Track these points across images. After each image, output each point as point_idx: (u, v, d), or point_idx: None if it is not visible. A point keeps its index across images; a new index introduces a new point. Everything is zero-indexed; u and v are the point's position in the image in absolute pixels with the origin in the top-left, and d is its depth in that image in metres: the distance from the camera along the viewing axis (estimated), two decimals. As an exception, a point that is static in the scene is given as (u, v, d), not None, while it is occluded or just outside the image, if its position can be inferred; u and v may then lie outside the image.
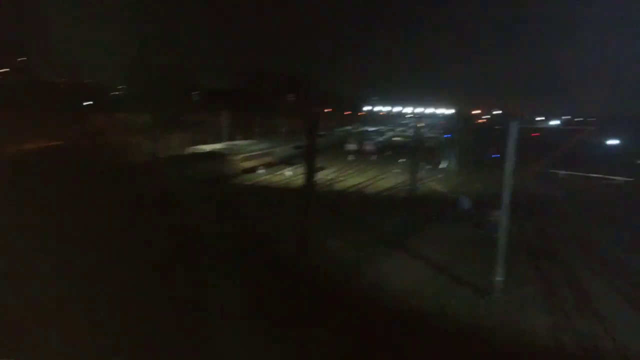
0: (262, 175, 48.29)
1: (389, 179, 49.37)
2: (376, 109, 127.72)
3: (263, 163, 51.56)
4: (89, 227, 22.04)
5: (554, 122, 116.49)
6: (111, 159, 36.59)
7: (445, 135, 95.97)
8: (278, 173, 49.55)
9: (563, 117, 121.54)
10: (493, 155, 61.79)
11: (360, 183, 45.76)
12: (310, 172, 20.43)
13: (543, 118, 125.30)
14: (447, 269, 21.64)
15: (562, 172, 27.05)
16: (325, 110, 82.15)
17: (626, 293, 19.31)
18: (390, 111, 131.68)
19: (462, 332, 15.66)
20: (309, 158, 20.42)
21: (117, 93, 60.56)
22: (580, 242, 26.91)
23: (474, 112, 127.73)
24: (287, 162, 54.60)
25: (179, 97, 49.35)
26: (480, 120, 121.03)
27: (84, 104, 55.10)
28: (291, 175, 48.12)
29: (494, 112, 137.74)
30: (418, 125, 76.20)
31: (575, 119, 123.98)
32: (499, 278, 18.81)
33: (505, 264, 18.87)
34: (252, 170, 49.21)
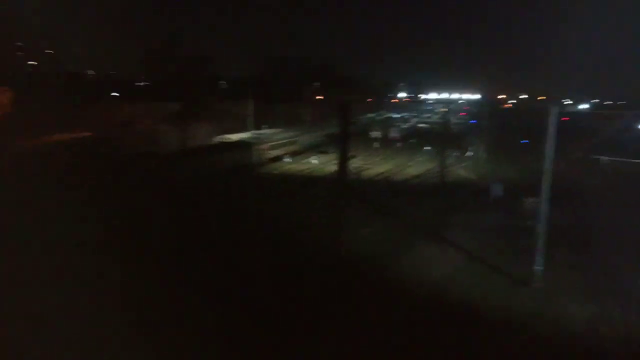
0: (289, 164, 48.33)
1: (416, 166, 48.90)
2: (400, 95, 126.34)
3: (289, 151, 51.63)
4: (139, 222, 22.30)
5: (584, 106, 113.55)
6: (143, 150, 37.01)
7: (471, 121, 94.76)
8: (304, 161, 49.53)
9: (592, 101, 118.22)
10: (522, 141, 60.76)
11: (387, 171, 45.43)
12: (344, 160, 20.26)
13: (571, 102, 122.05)
14: (483, 257, 21.25)
15: (603, 157, 26.19)
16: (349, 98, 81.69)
17: None
18: (415, 97, 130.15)
19: (508, 323, 15.37)
20: (342, 146, 20.22)
21: (143, 84, 61.08)
22: (622, 231, 26.05)
23: (499, 96, 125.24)
24: (313, 149, 54.58)
25: (205, 86, 49.51)
26: (506, 105, 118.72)
27: (112, 94, 55.77)
28: (317, 163, 48.11)
29: (520, 97, 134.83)
30: (443, 110, 75.20)
31: (605, 103, 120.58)
32: (538, 267, 18.37)
33: (547, 252, 18.41)
34: (279, 158, 49.30)
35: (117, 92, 61.89)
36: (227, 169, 38.25)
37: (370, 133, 69.38)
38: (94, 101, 49.75)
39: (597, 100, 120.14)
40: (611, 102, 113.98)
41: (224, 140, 47.54)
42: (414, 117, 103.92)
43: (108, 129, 41.00)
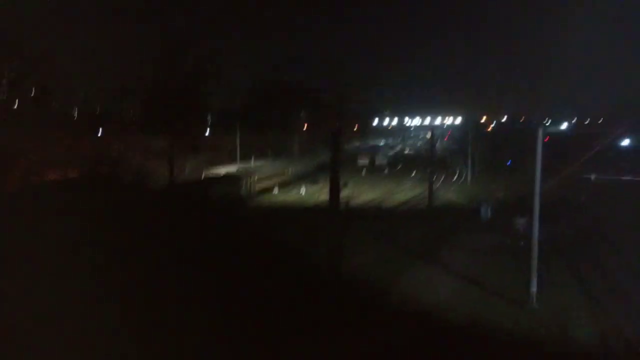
0: (278, 195, 48.37)
1: (404, 192, 49.28)
2: (385, 122, 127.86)
3: (277, 182, 51.74)
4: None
5: (563, 126, 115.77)
6: (130, 187, 36.75)
7: (455, 145, 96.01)
8: (293, 192, 49.63)
9: (572, 121, 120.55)
10: (507, 163, 61.79)
11: (376, 198, 45.68)
12: (336, 188, 20.39)
13: (549, 121, 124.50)
14: (478, 280, 21.30)
15: (593, 176, 26.90)
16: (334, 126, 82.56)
17: None
18: (399, 124, 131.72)
19: (506, 346, 15.34)
20: (334, 175, 20.40)
21: (131, 118, 60.94)
22: (615, 248, 26.53)
23: (481, 120, 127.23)
24: (302, 179, 54.83)
25: (193, 120, 49.63)
26: (489, 128, 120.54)
27: (99, 131, 55.41)
28: (305, 193, 48.26)
29: (501, 119, 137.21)
30: (428, 136, 76.23)
31: (585, 122, 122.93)
32: (533, 289, 18.47)
33: (541, 271, 18.61)
34: (268, 190, 49.35)
35: (105, 127, 61.36)
36: (215, 204, 38.12)
37: (357, 160, 69.99)
38: (83, 139, 49.19)
39: (575, 120, 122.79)
40: (589, 122, 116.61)
41: (212, 175, 47.48)
42: (400, 143, 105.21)
43: (99, 167, 40.60)
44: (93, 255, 19.05)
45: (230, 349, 14.14)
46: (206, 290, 18.03)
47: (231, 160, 55.46)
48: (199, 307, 16.49)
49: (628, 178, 29.34)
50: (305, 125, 78.47)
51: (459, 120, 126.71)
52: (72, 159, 40.95)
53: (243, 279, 20.35)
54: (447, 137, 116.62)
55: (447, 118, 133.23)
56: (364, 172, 62.87)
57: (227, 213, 35.47)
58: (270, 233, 30.63)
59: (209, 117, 59.83)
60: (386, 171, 66.05)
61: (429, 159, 47.26)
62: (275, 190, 49.72)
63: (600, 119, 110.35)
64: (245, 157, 57.21)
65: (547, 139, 18.69)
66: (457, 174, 61.92)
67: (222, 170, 49.50)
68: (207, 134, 61.30)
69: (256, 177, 48.38)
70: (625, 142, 54.62)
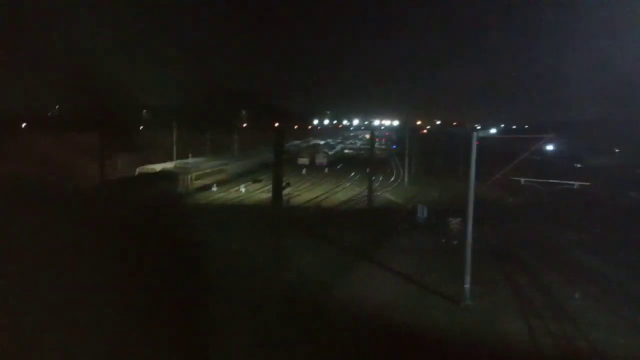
0: (217, 193, 47.36)
1: (344, 192, 49.81)
2: (325, 122, 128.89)
3: (217, 180, 50.62)
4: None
5: (492, 130, 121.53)
6: (56, 186, 34.46)
7: (393, 147, 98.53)
8: (233, 190, 48.79)
9: (500, 125, 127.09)
10: (393, 147, 63.56)
11: (316, 197, 45.84)
12: (279, 187, 20.11)
13: (479, 127, 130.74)
14: (415, 278, 21.90)
15: (523, 179, 28.49)
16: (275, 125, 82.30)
17: (588, 291, 20.31)
18: (340, 124, 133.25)
19: (442, 342, 15.86)
20: (277, 173, 20.13)
21: (58, 113, 57.49)
22: (542, 245, 28.18)
23: (417, 122, 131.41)
24: (243, 178, 54.06)
25: (127, 115, 47.47)
26: (423, 131, 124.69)
27: (24, 127, 51.86)
28: (246, 191, 47.61)
29: (436, 122, 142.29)
30: (367, 137, 77.64)
31: (512, 127, 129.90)
32: (467, 285, 19.20)
33: (473, 270, 19.30)
34: (206, 188, 48.17)
35: (30, 124, 57.42)
36: (149, 200, 36.59)
37: (297, 160, 69.98)
38: (6, 135, 45.72)
39: (503, 125, 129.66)
40: (515, 127, 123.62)
41: (146, 171, 45.53)
42: (340, 143, 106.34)
43: (25, 166, 37.85)
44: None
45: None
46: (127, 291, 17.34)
47: (168, 157, 53.53)
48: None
49: (555, 181, 31.31)
50: (246, 123, 77.58)
51: (396, 122, 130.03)
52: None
53: (170, 282, 19.69)
54: (385, 139, 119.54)
55: (385, 120, 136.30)
56: (304, 171, 62.93)
57: (158, 210, 34.14)
58: (206, 232, 29.87)
59: (145, 113, 57.55)
60: (326, 170, 66.52)
61: (368, 159, 48.07)
62: (214, 188, 48.67)
63: (526, 125, 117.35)
64: (183, 155, 55.45)
65: (477, 142, 19.43)
66: (394, 175, 63.49)
67: (158, 166, 47.64)
68: (142, 130, 58.93)
69: (194, 174, 47.05)
70: (550, 147, 58.25)
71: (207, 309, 16.56)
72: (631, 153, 65.15)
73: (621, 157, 68.81)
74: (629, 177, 52.60)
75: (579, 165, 66.64)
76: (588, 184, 29.38)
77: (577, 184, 26.92)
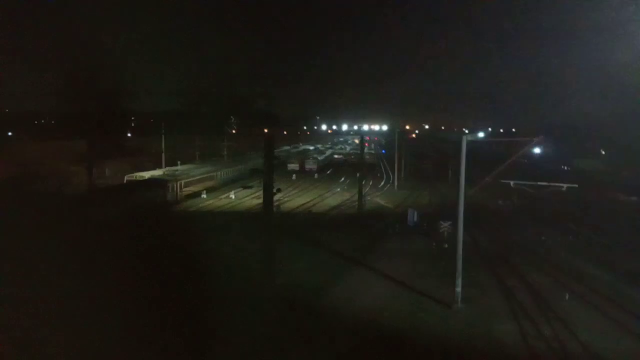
0: (206, 200, 47.10)
1: (334, 197, 49.81)
2: (314, 127, 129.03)
3: (206, 187, 50.36)
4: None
5: (480, 134, 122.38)
6: (45, 192, 34.10)
7: (382, 151, 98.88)
8: (223, 196, 48.55)
9: (488, 129, 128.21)
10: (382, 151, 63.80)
11: (307, 202, 45.78)
12: (269, 193, 20.02)
13: (467, 131, 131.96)
14: (407, 282, 21.91)
15: (513, 182, 28.78)
16: (265, 131, 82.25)
17: (577, 291, 20.49)
18: (329, 129, 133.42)
19: (435, 345, 15.92)
20: (267, 179, 20.01)
21: (47, 120, 56.97)
22: (531, 247, 28.38)
23: (406, 127, 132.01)
24: (232, 184, 53.79)
25: (116, 122, 47.16)
26: (412, 135, 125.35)
27: (15, 133, 51.33)
28: (235, 198, 47.38)
29: (425, 127, 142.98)
30: (357, 141, 77.86)
31: (500, 130, 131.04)
32: (458, 289, 19.20)
33: (464, 273, 19.34)
34: (195, 195, 47.91)
35: (19, 130, 56.82)
36: (137, 208, 36.29)
37: (287, 165, 69.91)
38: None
39: (490, 129, 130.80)
40: (502, 130, 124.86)
41: (134, 179, 45.15)
42: (329, 148, 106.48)
43: (15, 172, 37.44)
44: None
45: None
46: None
47: (157, 164, 53.15)
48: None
49: (543, 184, 31.60)
50: (236, 129, 77.37)
51: (385, 127, 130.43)
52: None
53: (163, 289, 19.53)
54: (374, 143, 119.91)
55: (374, 125, 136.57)
56: (294, 177, 62.86)
57: (147, 218, 33.88)
58: (197, 239, 29.66)
59: (133, 120, 57.17)
60: (316, 176, 66.51)
61: (357, 164, 48.17)
62: (204, 195, 48.41)
63: (513, 129, 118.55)
64: (172, 162, 55.04)
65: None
66: (384, 179, 63.71)
67: (147, 174, 47.28)
68: (130, 136, 58.51)
69: (183, 181, 46.77)
70: (537, 150, 58.84)
71: (198, 313, 16.62)
72: (616, 154, 66.04)
73: (607, 159, 69.69)
74: (617, 179, 53.24)
75: (566, 168, 67.34)
76: (576, 185, 29.79)
77: (565, 186, 27.33)
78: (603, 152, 74.19)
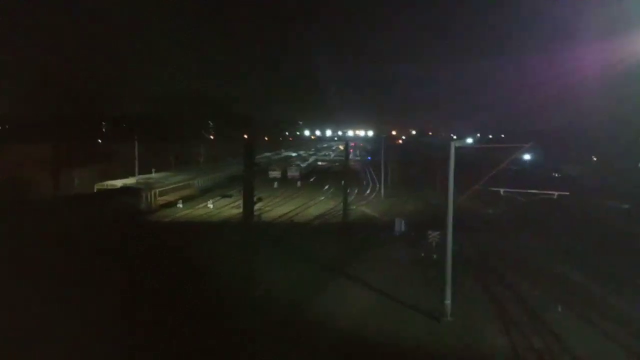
0: (182, 210, 44.72)
1: (318, 205, 47.77)
2: (297, 133, 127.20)
3: (182, 196, 47.96)
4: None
5: (468, 140, 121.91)
6: (5, 199, 31.58)
7: (368, 158, 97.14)
8: (200, 206, 46.19)
9: (476, 135, 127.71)
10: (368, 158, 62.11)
11: (289, 212, 43.65)
12: (250, 202, 18.26)
13: (455, 137, 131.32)
14: (394, 294, 20.48)
15: (503, 189, 27.19)
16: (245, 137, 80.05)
17: (566, 302, 19.31)
18: (312, 135, 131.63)
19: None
20: (247, 187, 18.29)
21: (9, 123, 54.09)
22: (521, 256, 27.04)
23: (392, 132, 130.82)
24: (210, 193, 51.59)
25: (85, 126, 44.58)
26: (399, 141, 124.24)
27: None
28: (214, 207, 45.13)
29: (412, 132, 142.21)
30: (341, 147, 76.01)
31: (489, 136, 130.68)
32: (447, 301, 17.93)
33: (453, 284, 18.06)
34: (171, 204, 45.49)
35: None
36: (108, 219, 33.92)
37: (269, 172, 67.71)
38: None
39: (478, 135, 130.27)
40: (491, 137, 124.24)
41: (106, 187, 42.61)
42: (312, 155, 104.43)
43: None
44: None
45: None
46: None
47: (130, 172, 50.38)
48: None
49: (534, 191, 30.33)
50: (213, 135, 74.95)
51: (370, 132, 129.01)
52: None
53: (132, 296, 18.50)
54: (359, 150, 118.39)
55: (359, 131, 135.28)
56: (275, 185, 60.72)
57: (118, 230, 31.56)
58: (169, 250, 27.53)
59: (103, 125, 54.55)
60: (299, 184, 64.25)
61: (342, 171, 46.11)
62: (180, 204, 46.00)
63: (502, 135, 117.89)
64: (146, 169, 52.25)
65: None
66: (370, 186, 61.78)
67: (119, 182, 44.71)
68: (100, 142, 55.75)
69: (157, 190, 44.32)
70: (527, 157, 57.66)
71: (173, 325, 16.00)
72: (604, 161, 65.43)
73: (597, 165, 69.04)
74: (605, 186, 52.28)
75: (556, 175, 66.33)
76: (567, 193, 28.49)
77: (556, 193, 25.96)
78: (595, 159, 73.40)
